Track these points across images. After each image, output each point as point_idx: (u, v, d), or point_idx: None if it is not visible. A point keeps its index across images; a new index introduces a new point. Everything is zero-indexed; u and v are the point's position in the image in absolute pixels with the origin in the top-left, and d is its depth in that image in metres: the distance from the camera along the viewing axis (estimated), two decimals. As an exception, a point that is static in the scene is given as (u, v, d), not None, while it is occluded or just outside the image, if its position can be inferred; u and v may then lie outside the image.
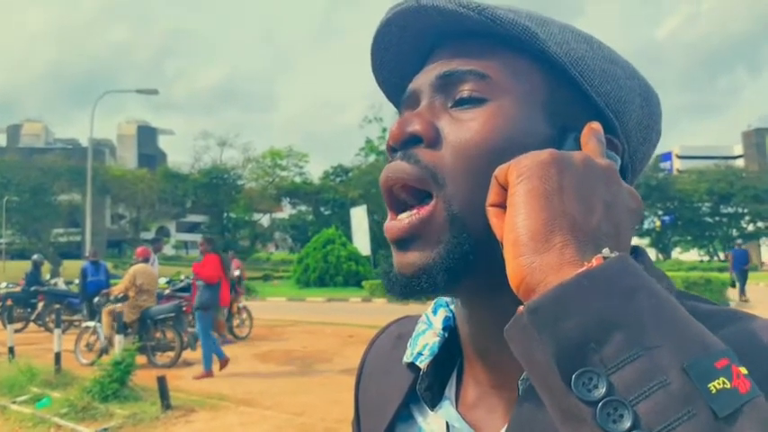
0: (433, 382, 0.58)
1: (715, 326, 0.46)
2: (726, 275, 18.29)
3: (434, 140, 0.52)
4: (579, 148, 0.53)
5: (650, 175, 51.64)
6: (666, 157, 70.95)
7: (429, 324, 0.61)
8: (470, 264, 0.51)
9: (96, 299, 10.34)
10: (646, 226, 53.62)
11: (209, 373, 8.08)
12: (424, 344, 0.60)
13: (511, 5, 0.55)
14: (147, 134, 79.56)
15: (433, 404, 0.57)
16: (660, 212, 52.88)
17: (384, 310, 18.71)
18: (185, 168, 50.73)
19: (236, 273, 13.29)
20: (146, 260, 9.98)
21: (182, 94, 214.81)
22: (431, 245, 0.51)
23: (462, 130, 0.52)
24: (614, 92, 0.54)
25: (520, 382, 0.50)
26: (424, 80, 0.56)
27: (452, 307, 0.61)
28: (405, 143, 0.53)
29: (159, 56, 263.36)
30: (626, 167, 0.56)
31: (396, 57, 0.60)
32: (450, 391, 0.58)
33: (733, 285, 17.51)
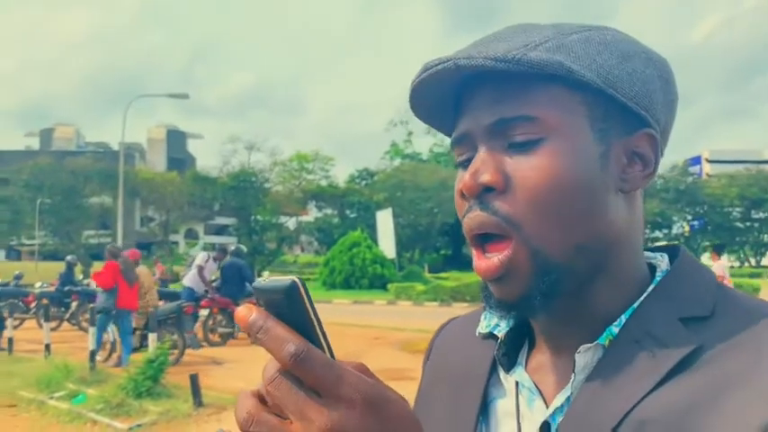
0: (509, 350, 0.68)
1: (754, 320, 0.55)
2: (757, 282, 17.83)
3: (505, 187, 0.58)
4: (626, 158, 0.60)
5: (679, 179, 51.00)
6: (696, 161, 70.02)
7: None
8: (561, 285, 0.58)
9: None
10: (674, 231, 52.97)
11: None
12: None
13: (533, 24, 0.61)
14: (176, 138, 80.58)
15: (509, 368, 0.67)
16: (689, 217, 52.21)
17: (409, 313, 18.74)
18: (214, 172, 51.09)
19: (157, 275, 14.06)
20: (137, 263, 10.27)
21: (211, 99, 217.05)
22: (522, 278, 0.58)
23: (528, 173, 0.57)
24: (640, 89, 0.59)
25: (576, 354, 0.58)
26: (474, 125, 0.60)
27: None
28: (478, 195, 0.59)
29: (190, 60, 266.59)
30: (658, 143, 0.62)
31: (434, 98, 0.64)
32: (522, 357, 0.68)
33: None
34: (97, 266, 24.55)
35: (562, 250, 0.57)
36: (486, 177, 0.58)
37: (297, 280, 0.42)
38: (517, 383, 0.65)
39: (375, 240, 32.72)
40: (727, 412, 0.49)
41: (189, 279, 11.77)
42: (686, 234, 52.34)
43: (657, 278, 0.62)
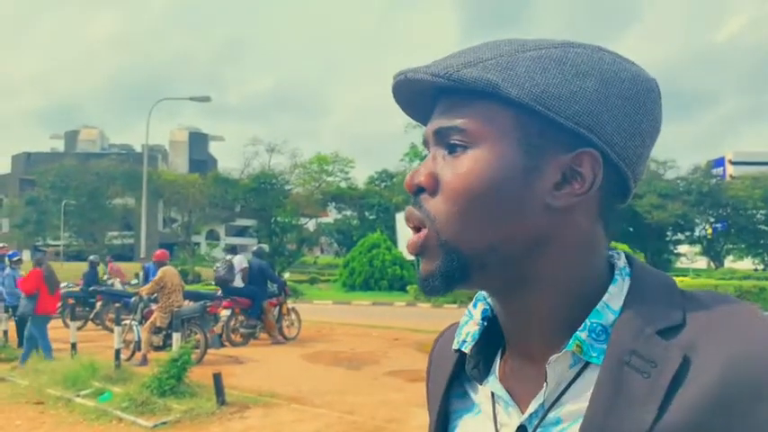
0: (479, 362, 0.71)
1: (692, 307, 0.59)
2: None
3: (434, 188, 0.65)
4: (561, 175, 0.62)
5: (702, 181, 50.39)
6: (719, 162, 69.15)
7: (470, 315, 0.74)
8: (464, 274, 0.63)
9: (132, 299, 10.80)
10: (697, 233, 52.35)
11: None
12: (467, 332, 0.72)
13: (486, 46, 0.65)
14: (198, 140, 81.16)
15: (482, 380, 0.70)
16: (712, 220, 51.53)
17: (428, 315, 18.75)
18: (235, 174, 51.35)
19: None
20: (164, 263, 10.65)
21: (233, 101, 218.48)
22: (433, 258, 0.64)
23: (451, 178, 0.63)
24: (583, 108, 0.60)
25: (547, 365, 0.60)
26: (428, 131, 0.68)
27: (489, 300, 0.73)
28: (415, 193, 0.66)
29: (212, 63, 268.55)
30: (617, 165, 0.63)
31: (413, 104, 0.72)
32: (496, 367, 0.71)
33: None
34: (121, 267, 24.93)
35: (472, 246, 0.62)
36: (419, 179, 0.65)
37: None
38: (493, 395, 0.69)
39: (394, 242, 32.65)
40: (734, 419, 0.51)
41: (239, 282, 12.14)
42: (709, 236, 51.70)
43: (617, 278, 0.63)
